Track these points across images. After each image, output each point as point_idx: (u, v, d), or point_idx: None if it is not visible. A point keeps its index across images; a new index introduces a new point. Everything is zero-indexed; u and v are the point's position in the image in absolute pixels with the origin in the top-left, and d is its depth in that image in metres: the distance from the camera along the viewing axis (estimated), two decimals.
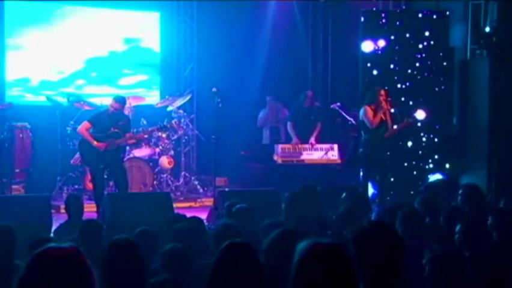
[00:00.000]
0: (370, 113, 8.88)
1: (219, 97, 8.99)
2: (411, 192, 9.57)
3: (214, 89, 9.24)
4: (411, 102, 10.04)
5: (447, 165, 10.04)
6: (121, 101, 8.43)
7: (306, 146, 10.35)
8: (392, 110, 9.14)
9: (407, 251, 3.31)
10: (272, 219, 5.09)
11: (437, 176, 9.84)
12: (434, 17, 10.13)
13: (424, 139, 10.11)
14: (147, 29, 11.95)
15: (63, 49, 11.21)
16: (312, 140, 10.37)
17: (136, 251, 3.52)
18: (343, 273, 2.49)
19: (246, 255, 3.14)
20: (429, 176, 9.89)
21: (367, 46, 9.96)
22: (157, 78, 12.09)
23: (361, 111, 9.04)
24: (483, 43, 9.88)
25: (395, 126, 9.17)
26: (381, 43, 9.97)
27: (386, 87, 9.49)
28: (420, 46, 10.06)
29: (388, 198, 9.36)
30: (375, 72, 10.01)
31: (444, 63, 10.14)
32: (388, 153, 9.33)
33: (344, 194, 6.47)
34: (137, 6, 11.78)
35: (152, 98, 11.57)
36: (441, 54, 10.12)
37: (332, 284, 2.46)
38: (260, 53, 11.98)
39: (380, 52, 10.02)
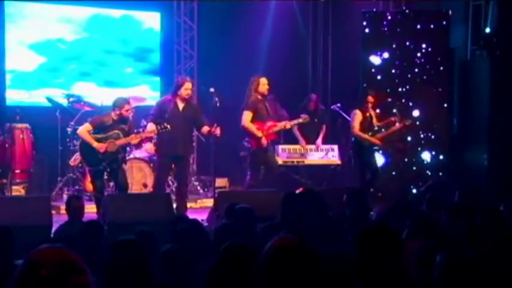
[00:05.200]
0: (358, 118, 9.08)
1: (217, 97, 9.01)
2: (411, 187, 9.71)
3: (211, 89, 9.27)
4: (411, 103, 10.12)
5: (441, 157, 10.12)
6: (128, 102, 8.41)
7: (307, 147, 10.37)
8: (394, 110, 9.28)
9: (412, 251, 3.30)
10: (269, 221, 5.09)
11: (426, 155, 9.99)
12: (435, 18, 10.16)
13: (423, 137, 10.19)
14: (147, 29, 11.96)
15: (63, 49, 11.22)
16: (319, 142, 10.40)
17: (141, 252, 3.51)
18: (305, 270, 2.43)
19: (246, 256, 3.13)
20: (422, 157, 10.11)
21: (375, 60, 10.20)
22: (157, 79, 12.10)
23: (352, 113, 9.22)
24: (483, 44, 9.89)
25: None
26: (386, 55, 10.16)
27: (388, 90, 9.63)
28: (419, 53, 10.12)
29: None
30: (378, 77, 10.16)
31: (444, 65, 10.17)
32: (381, 151, 9.43)
33: (345, 196, 6.46)
34: (137, 6, 11.80)
35: (153, 98, 11.55)
36: (441, 55, 10.16)
37: (295, 282, 2.41)
38: (260, 54, 11.98)
39: (381, 54, 10.16)
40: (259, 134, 8.75)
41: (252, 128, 8.77)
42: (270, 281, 2.40)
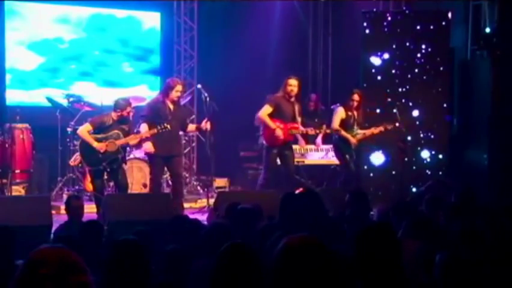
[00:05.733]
0: (339, 115, 9.17)
1: (205, 92, 9.06)
2: (411, 187, 9.74)
3: (199, 86, 9.38)
4: (411, 104, 10.13)
5: (440, 156, 10.14)
6: (130, 103, 8.43)
7: (307, 147, 10.36)
8: (394, 110, 9.33)
9: (411, 251, 3.29)
10: (269, 221, 5.10)
11: (426, 154, 10.09)
12: (435, 18, 10.16)
13: (423, 137, 10.20)
14: (147, 29, 11.96)
15: (63, 49, 11.23)
16: (319, 141, 10.40)
17: (141, 252, 3.51)
18: (320, 266, 2.42)
19: (247, 256, 3.13)
20: (422, 157, 10.13)
21: (375, 60, 10.22)
22: (157, 79, 12.10)
23: (335, 110, 9.30)
24: (483, 44, 9.89)
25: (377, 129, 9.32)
26: (386, 55, 10.17)
27: (388, 90, 9.65)
28: (419, 53, 10.13)
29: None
30: (378, 77, 10.18)
31: (444, 65, 10.18)
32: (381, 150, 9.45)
33: (347, 196, 6.47)
34: (137, 6, 11.80)
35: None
36: (441, 55, 10.17)
37: (310, 280, 2.39)
38: (260, 53, 11.98)
39: (381, 55, 10.18)
40: (273, 125, 8.69)
41: (267, 119, 8.73)
42: (285, 280, 2.40)
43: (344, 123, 9.18)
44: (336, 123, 9.17)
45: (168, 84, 8.59)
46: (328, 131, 9.24)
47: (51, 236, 6.13)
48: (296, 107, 8.83)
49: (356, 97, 9.16)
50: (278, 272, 2.46)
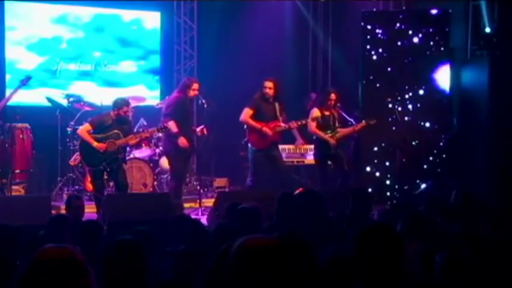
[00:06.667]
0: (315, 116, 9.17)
1: (204, 99, 9.13)
2: (412, 187, 9.75)
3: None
4: (410, 103, 10.12)
5: (441, 157, 10.13)
6: (128, 103, 8.45)
7: (307, 147, 10.37)
8: (399, 109, 9.39)
9: (410, 251, 3.29)
10: (268, 221, 5.09)
11: (426, 155, 10.04)
12: (435, 16, 10.16)
13: (422, 137, 10.19)
14: (147, 29, 11.96)
15: (63, 49, 11.23)
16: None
17: (140, 252, 3.51)
18: (279, 272, 2.31)
19: None
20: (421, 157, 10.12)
21: (375, 59, 10.22)
22: (157, 79, 12.10)
23: (311, 111, 9.29)
24: (483, 44, 9.88)
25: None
26: (385, 54, 10.15)
27: (387, 89, 9.61)
28: (419, 53, 10.12)
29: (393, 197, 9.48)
30: (378, 77, 10.18)
31: (445, 64, 10.18)
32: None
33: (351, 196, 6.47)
34: (137, 6, 11.80)
35: (153, 98, 11.57)
36: (441, 55, 10.16)
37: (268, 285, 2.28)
38: (260, 53, 11.97)
39: (381, 55, 10.17)
40: (258, 125, 8.76)
41: (250, 121, 8.82)
42: (235, 282, 2.33)
43: (322, 124, 9.18)
44: (313, 124, 9.17)
45: (185, 82, 8.88)
46: (304, 121, 9.18)
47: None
48: (276, 106, 8.92)
49: (332, 96, 9.22)
50: (232, 273, 2.36)
